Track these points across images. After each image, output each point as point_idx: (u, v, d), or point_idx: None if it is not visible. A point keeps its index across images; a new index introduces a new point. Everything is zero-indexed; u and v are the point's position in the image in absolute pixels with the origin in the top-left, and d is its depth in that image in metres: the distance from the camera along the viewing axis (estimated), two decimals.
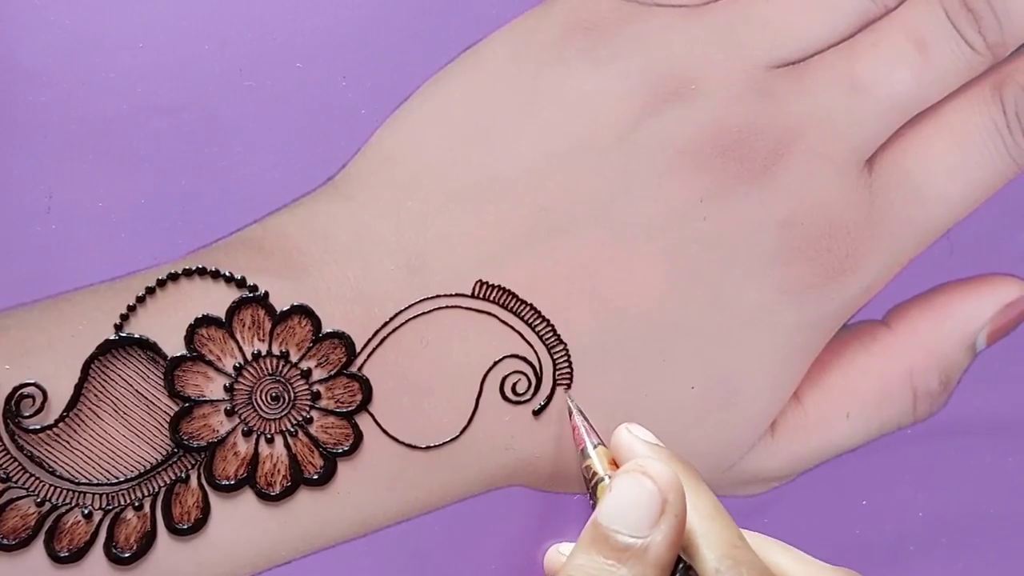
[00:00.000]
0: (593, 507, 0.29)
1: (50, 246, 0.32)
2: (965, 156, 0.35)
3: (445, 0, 0.34)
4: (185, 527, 0.32)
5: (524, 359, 0.34)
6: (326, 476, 0.33)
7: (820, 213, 0.34)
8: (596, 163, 0.34)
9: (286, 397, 0.33)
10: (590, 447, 0.31)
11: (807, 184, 0.34)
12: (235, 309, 0.32)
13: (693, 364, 0.34)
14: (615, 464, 0.30)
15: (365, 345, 0.33)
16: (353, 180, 0.33)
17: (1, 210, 0.32)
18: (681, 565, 0.25)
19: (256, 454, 0.32)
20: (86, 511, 0.32)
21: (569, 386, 0.34)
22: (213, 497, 0.32)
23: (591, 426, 0.32)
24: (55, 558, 0.32)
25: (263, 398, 0.33)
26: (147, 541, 0.32)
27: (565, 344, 0.34)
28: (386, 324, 0.33)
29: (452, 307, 0.33)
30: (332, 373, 0.33)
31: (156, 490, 0.32)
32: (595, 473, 0.30)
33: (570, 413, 0.33)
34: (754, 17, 0.35)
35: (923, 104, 0.35)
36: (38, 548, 0.32)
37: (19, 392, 0.31)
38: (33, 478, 0.32)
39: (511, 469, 0.34)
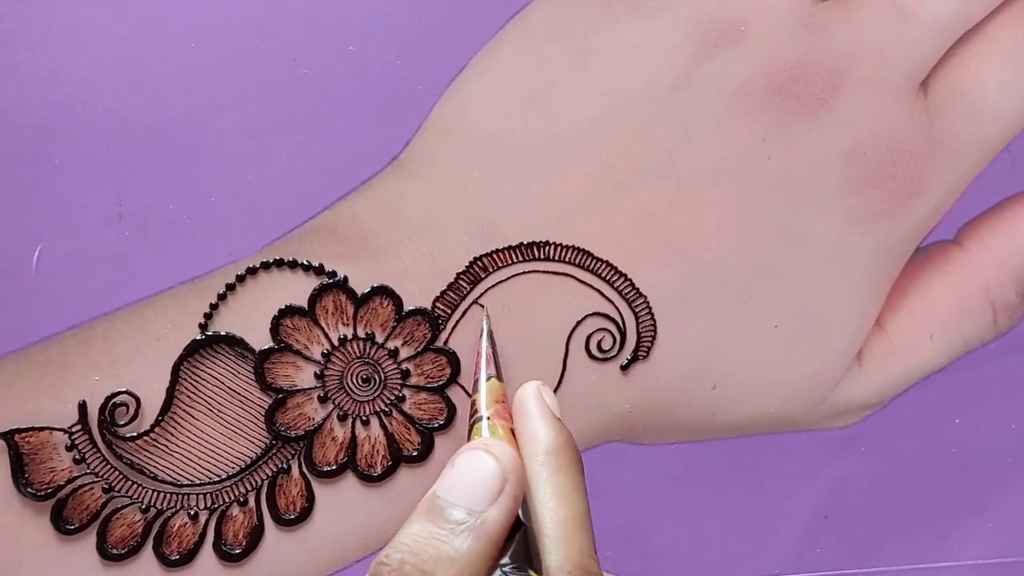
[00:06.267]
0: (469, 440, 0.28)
1: (125, 253, 0.32)
2: (1017, 70, 0.35)
3: None
4: (292, 517, 0.32)
5: (606, 316, 0.34)
6: (425, 452, 0.33)
7: (881, 140, 0.34)
8: (655, 114, 0.34)
9: (376, 378, 0.33)
10: (483, 379, 0.30)
11: (865, 113, 0.34)
12: (317, 297, 0.32)
13: (773, 303, 0.34)
14: (503, 399, 0.29)
15: (448, 319, 0.33)
16: (417, 157, 0.33)
17: (74, 222, 0.32)
18: (516, 537, 0.25)
19: (354, 437, 0.33)
20: (192, 512, 0.32)
21: (654, 338, 0.34)
22: (316, 485, 0.32)
23: (494, 355, 0.31)
24: (166, 562, 0.32)
25: (354, 381, 0.33)
26: (255, 535, 0.32)
27: (645, 297, 0.34)
28: (466, 296, 0.33)
29: (529, 272, 0.34)
30: (419, 350, 0.33)
31: (259, 484, 0.32)
32: (476, 410, 0.29)
33: (480, 333, 0.32)
34: None
35: (969, 23, 0.35)
36: (148, 554, 0.32)
37: (112, 401, 0.32)
38: (135, 485, 0.32)
39: (605, 426, 0.34)
